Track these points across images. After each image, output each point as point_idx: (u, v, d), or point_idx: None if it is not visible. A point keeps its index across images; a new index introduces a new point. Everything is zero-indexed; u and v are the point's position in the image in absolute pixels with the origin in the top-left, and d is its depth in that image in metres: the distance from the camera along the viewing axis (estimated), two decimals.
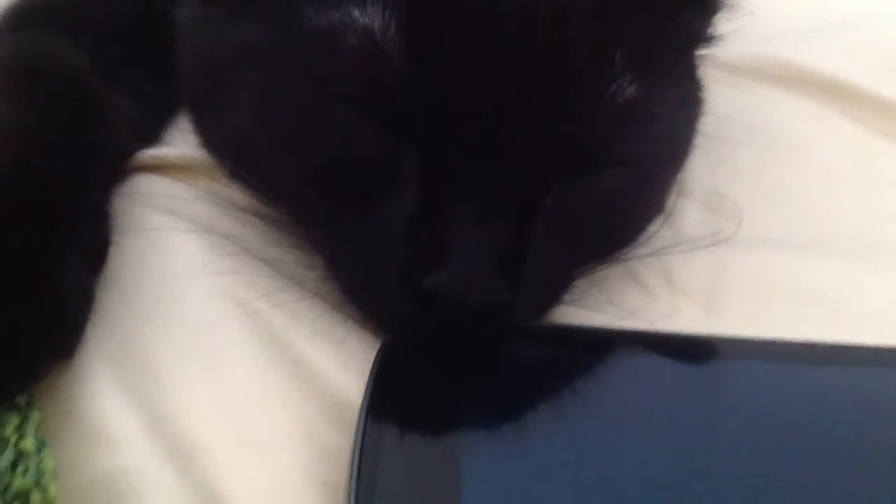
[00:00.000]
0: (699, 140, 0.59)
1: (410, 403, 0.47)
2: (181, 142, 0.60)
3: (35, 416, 0.43)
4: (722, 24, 0.59)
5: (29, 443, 0.41)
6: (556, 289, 0.52)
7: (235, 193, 0.55)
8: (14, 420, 0.42)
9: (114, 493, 0.41)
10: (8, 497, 0.39)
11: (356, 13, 0.46)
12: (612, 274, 0.55)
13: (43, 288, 0.44)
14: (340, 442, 0.45)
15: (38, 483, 0.40)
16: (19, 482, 0.39)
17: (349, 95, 0.46)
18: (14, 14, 0.65)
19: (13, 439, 0.41)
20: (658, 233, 0.57)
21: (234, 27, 0.50)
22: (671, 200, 0.59)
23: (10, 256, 0.44)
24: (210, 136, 0.55)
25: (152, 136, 0.62)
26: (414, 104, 0.46)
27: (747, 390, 0.49)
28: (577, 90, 0.47)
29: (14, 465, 0.40)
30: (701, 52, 0.59)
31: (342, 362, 0.48)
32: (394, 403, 0.45)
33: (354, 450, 0.42)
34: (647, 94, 0.49)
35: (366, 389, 0.46)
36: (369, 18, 0.45)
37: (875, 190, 0.63)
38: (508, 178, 0.47)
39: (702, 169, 0.62)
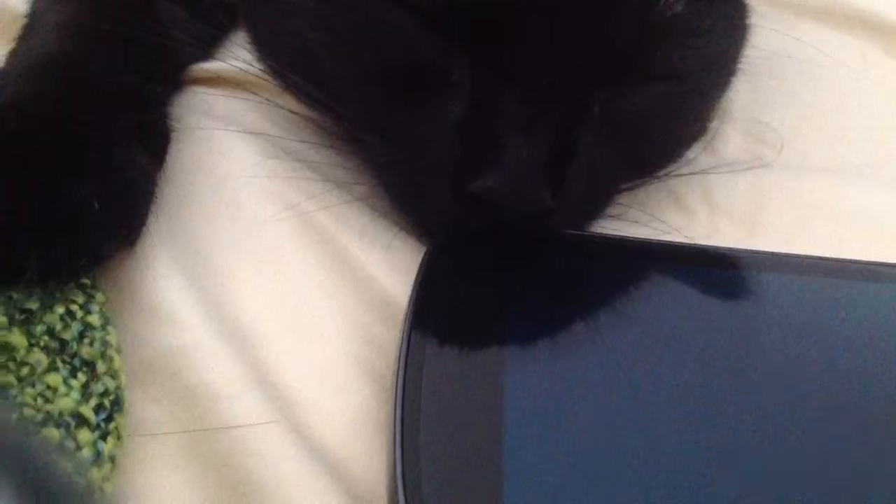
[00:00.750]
0: (743, 67, 0.60)
1: (455, 308, 0.48)
2: (235, 57, 0.61)
3: (99, 296, 0.45)
4: None
5: (94, 318, 0.43)
6: (599, 200, 0.53)
7: (288, 103, 0.57)
8: (80, 297, 0.44)
9: (172, 368, 0.43)
10: (76, 364, 0.41)
11: None
12: (653, 192, 0.57)
13: (110, 170, 0.46)
14: (388, 334, 0.47)
15: (103, 354, 0.42)
16: (86, 351, 0.41)
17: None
18: None
19: (80, 314, 0.43)
20: (699, 156, 0.59)
21: None
22: (714, 126, 0.60)
23: (79, 139, 0.46)
24: (266, 45, 0.57)
25: (207, 49, 0.64)
26: (466, 8, 0.47)
27: (787, 303, 0.50)
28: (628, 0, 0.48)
29: (81, 337, 0.42)
30: None
31: (390, 264, 0.50)
32: (439, 308, 0.47)
33: (400, 354, 0.44)
34: (695, 10, 0.50)
35: (411, 293, 0.47)
36: None
37: None
38: (557, 84, 0.48)
39: (744, 97, 0.63)
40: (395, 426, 0.41)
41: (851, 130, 0.63)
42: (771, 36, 0.63)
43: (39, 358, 0.40)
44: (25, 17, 0.61)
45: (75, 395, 0.40)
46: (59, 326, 0.42)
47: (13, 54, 0.56)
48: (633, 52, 0.49)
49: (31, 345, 0.40)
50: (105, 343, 0.42)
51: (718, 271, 0.52)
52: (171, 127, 0.54)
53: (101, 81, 0.50)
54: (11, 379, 0.39)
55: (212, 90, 0.60)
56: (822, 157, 0.61)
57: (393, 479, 0.39)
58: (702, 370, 0.46)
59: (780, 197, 0.57)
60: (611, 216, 0.54)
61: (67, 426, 0.39)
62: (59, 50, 0.52)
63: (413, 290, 0.47)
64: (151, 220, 0.49)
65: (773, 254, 0.52)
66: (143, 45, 0.55)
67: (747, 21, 0.59)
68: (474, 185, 0.47)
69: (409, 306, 0.46)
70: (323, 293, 0.48)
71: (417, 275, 0.48)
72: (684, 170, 0.58)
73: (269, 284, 0.48)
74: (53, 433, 0.38)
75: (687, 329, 0.48)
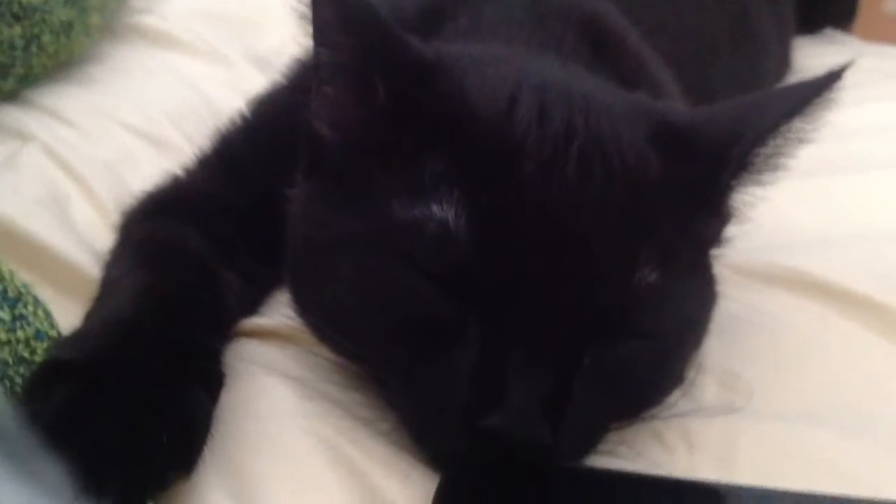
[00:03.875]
0: (715, 326, 0.69)
1: None
2: (277, 312, 0.72)
3: None
4: (733, 230, 0.71)
5: None
6: (591, 437, 0.61)
7: (323, 352, 0.67)
8: None
9: None
10: None
11: (434, 208, 0.58)
12: (638, 432, 0.65)
13: (178, 410, 0.55)
14: None
15: None
16: None
17: (427, 270, 0.58)
18: (145, 205, 0.80)
19: None
20: (679, 401, 0.67)
21: (337, 217, 0.63)
22: (691, 375, 0.69)
23: (154, 384, 0.55)
24: (308, 305, 0.67)
25: (254, 306, 0.74)
26: (478, 277, 0.57)
27: None
28: (610, 273, 0.59)
29: None
30: (715, 252, 0.71)
31: (408, 491, 0.58)
32: None
33: None
34: (667, 281, 0.61)
35: None
36: (445, 213, 0.58)
37: (865, 376, 0.72)
38: (554, 339, 0.57)
39: (717, 351, 0.72)
40: None
41: (812, 382, 0.71)
42: (741, 299, 0.73)
43: None
44: (100, 281, 0.72)
45: None
46: None
47: (92, 312, 0.66)
48: (615, 313, 0.59)
49: None
50: None
51: (699, 501, 0.59)
52: (224, 372, 0.64)
53: (170, 336, 0.61)
54: None
55: (258, 341, 0.70)
56: (788, 406, 0.69)
57: None
58: None
59: (750, 439, 0.65)
60: (601, 452, 0.62)
61: None
62: (136, 310, 0.63)
63: None
64: (206, 451, 0.57)
65: (745, 487, 0.59)
66: (204, 306, 0.65)
67: (715, 289, 0.69)
68: (484, 422, 0.55)
69: None
70: None
71: (432, 501, 0.56)
72: (665, 413, 0.66)
73: None
74: None
75: None
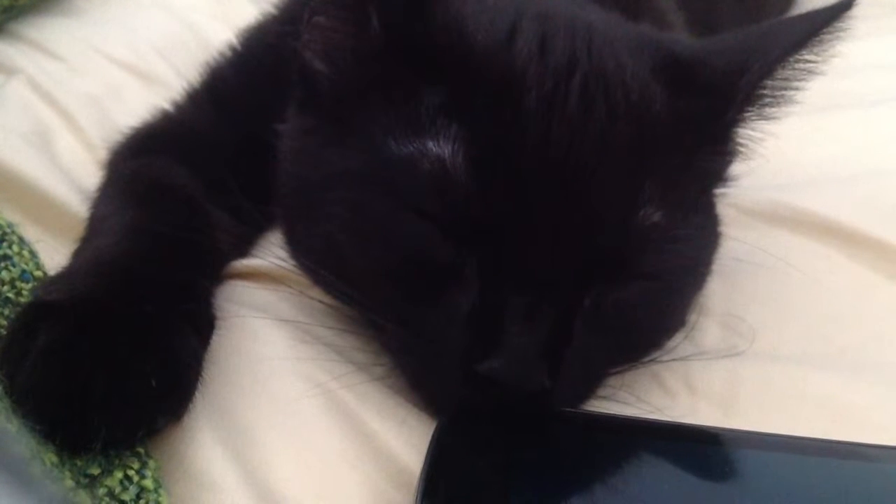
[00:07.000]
0: (717, 268, 0.68)
1: (462, 477, 0.54)
2: (269, 253, 0.70)
3: (152, 462, 0.51)
4: (738, 167, 0.69)
5: (149, 482, 0.49)
6: (591, 382, 0.60)
7: (316, 294, 0.65)
8: (136, 464, 0.50)
9: None
10: None
11: (431, 145, 0.56)
12: (639, 376, 0.63)
13: (167, 353, 0.54)
14: (403, 500, 0.53)
15: None
16: None
17: (423, 209, 0.56)
18: (133, 141, 0.78)
19: (136, 478, 0.49)
20: (680, 344, 0.66)
21: (330, 154, 0.61)
22: (692, 318, 0.67)
23: (142, 326, 0.54)
24: (300, 245, 0.65)
25: (245, 247, 0.73)
26: (476, 217, 0.55)
27: (759, 477, 0.55)
28: (612, 212, 0.57)
29: (138, 499, 0.48)
30: (719, 190, 0.69)
31: (404, 436, 0.56)
32: (447, 477, 0.53)
33: None
34: (671, 221, 0.59)
35: (423, 463, 0.53)
36: (441, 149, 0.56)
37: (873, 318, 0.71)
38: (553, 281, 0.56)
39: (720, 293, 0.71)
40: None
41: (817, 325, 0.70)
42: (745, 240, 0.72)
43: None
44: (87, 219, 0.70)
45: None
46: (118, 489, 0.48)
47: (79, 252, 0.65)
48: (618, 255, 0.58)
49: None
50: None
51: (700, 447, 0.58)
52: (215, 315, 0.62)
53: (159, 277, 0.59)
54: None
55: (249, 283, 0.68)
56: (791, 348, 0.68)
57: None
58: None
59: (753, 382, 0.64)
60: (601, 397, 0.61)
61: None
62: (124, 250, 0.61)
63: (425, 461, 0.53)
64: (197, 396, 0.56)
65: (747, 432, 0.58)
66: (194, 246, 0.63)
67: (719, 229, 0.68)
68: (481, 367, 0.54)
69: (421, 474, 0.53)
70: (345, 462, 0.54)
71: (429, 446, 0.54)
72: (666, 357, 0.65)
73: (298, 454, 0.54)
74: None
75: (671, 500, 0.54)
